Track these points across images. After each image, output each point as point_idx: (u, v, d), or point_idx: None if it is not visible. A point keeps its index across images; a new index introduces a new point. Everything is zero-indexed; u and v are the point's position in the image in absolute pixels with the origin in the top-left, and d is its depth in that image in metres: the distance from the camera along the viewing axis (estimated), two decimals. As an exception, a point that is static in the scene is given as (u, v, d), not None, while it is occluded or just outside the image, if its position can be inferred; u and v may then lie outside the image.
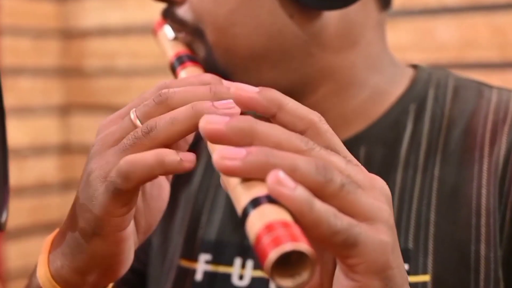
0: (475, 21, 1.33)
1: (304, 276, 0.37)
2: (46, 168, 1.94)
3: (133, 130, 0.50)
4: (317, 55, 0.63)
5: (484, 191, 0.61)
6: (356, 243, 0.41)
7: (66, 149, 1.97)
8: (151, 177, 0.49)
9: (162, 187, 0.59)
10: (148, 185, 0.58)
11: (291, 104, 0.46)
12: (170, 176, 0.60)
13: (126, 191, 0.50)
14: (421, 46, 1.40)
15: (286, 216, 0.39)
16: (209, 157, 0.73)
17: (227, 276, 0.66)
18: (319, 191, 0.41)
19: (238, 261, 0.66)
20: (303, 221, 0.39)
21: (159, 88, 0.53)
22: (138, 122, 0.50)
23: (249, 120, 0.43)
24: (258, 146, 0.42)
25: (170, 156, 0.48)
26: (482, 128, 0.63)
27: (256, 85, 0.55)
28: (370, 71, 0.66)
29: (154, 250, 0.72)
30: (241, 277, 0.66)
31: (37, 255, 0.56)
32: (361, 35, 0.64)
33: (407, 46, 1.51)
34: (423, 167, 0.63)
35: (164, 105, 0.50)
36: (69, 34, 1.96)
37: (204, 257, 0.68)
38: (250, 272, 0.66)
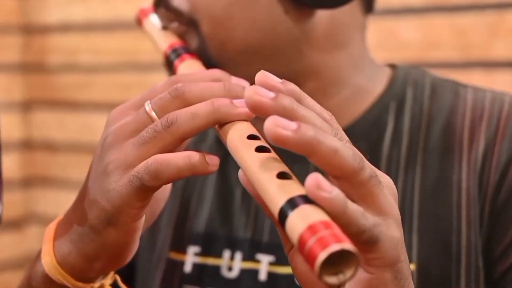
0: (437, 22, 1.35)
1: (347, 274, 0.39)
2: (8, 165, 1.92)
3: (148, 122, 0.51)
4: (306, 53, 0.65)
5: (464, 185, 0.64)
6: (377, 241, 0.44)
7: (27, 145, 1.95)
8: (179, 177, 0.50)
9: None
10: None
11: (308, 99, 0.48)
12: None
13: (152, 188, 0.50)
14: (385, 46, 1.42)
15: (324, 216, 0.40)
16: (196, 147, 0.74)
17: (216, 268, 0.68)
18: (351, 177, 0.43)
19: (227, 253, 0.68)
20: (336, 221, 0.41)
21: (172, 82, 0.53)
22: (153, 114, 0.51)
23: (292, 101, 0.44)
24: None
25: (200, 160, 0.49)
26: (460, 125, 0.66)
27: (245, 79, 0.57)
28: (353, 71, 0.68)
29: (142, 241, 0.72)
30: (230, 269, 0.67)
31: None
32: (348, 37, 0.67)
33: (370, 45, 1.53)
34: (405, 163, 0.66)
35: (181, 99, 0.51)
36: (31, 30, 1.94)
37: (193, 249, 0.69)
38: (239, 264, 0.67)
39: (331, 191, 0.41)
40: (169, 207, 0.72)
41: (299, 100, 0.47)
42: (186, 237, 0.70)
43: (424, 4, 1.37)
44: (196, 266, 0.68)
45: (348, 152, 0.43)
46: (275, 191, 0.42)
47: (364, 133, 0.67)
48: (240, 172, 0.47)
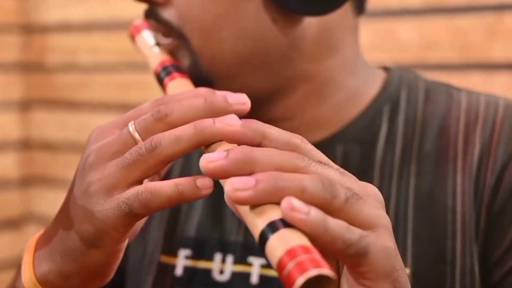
0: (436, 23, 1.35)
1: None
2: (6, 164, 1.92)
3: (131, 143, 0.51)
4: (297, 59, 0.65)
5: (459, 189, 0.64)
6: (367, 253, 0.43)
7: (26, 145, 1.95)
8: (170, 205, 0.50)
9: None
10: None
11: (273, 131, 0.47)
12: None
13: (140, 215, 0.50)
14: (383, 47, 1.42)
15: (304, 240, 0.41)
16: (187, 155, 0.74)
17: (208, 271, 0.68)
18: (326, 207, 0.43)
19: (218, 256, 0.68)
20: (319, 240, 0.41)
21: (157, 103, 0.53)
22: (136, 135, 0.51)
23: (245, 150, 0.44)
24: (264, 172, 0.43)
25: (190, 187, 0.49)
26: (454, 129, 0.66)
27: (239, 90, 0.56)
28: (346, 74, 0.68)
29: (132, 246, 0.72)
30: (221, 272, 0.67)
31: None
32: (339, 40, 0.66)
33: (369, 46, 1.53)
34: (399, 166, 0.66)
35: (164, 121, 0.50)
36: (30, 29, 1.94)
37: (184, 252, 0.69)
38: (230, 267, 0.67)
39: (308, 212, 0.41)
40: (160, 211, 0.72)
41: (263, 135, 0.47)
42: (177, 241, 0.70)
43: (423, 5, 1.37)
44: (187, 269, 0.68)
45: (316, 185, 0.43)
46: (255, 214, 0.43)
47: (358, 136, 0.67)
48: (225, 195, 0.47)
